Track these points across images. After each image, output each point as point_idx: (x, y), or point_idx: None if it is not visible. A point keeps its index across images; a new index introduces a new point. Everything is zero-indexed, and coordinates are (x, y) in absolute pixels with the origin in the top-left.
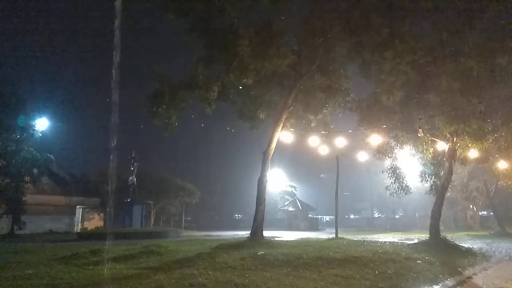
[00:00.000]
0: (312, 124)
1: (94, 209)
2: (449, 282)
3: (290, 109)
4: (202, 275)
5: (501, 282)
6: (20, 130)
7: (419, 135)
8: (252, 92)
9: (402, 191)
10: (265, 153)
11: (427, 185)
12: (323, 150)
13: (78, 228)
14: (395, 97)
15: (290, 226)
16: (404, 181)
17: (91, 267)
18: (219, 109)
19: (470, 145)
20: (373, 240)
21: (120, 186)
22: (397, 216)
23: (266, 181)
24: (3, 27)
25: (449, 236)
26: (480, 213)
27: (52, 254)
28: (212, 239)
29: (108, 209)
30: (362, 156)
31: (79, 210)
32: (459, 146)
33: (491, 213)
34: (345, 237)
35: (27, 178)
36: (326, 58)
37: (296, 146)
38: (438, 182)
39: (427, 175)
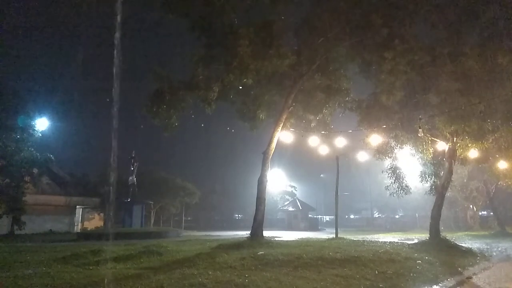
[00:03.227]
0: (312, 124)
1: (94, 209)
2: (449, 282)
3: (290, 109)
4: (202, 275)
5: (501, 282)
6: (20, 130)
7: (419, 135)
8: (252, 92)
9: (402, 191)
10: (265, 153)
11: (427, 185)
12: (323, 150)
13: (78, 228)
14: (395, 97)
15: (290, 226)
16: (404, 181)
17: (91, 267)
18: (219, 109)
19: (470, 145)
20: (373, 240)
21: (120, 186)
22: (397, 216)
23: (266, 181)
24: (4, 27)
25: (449, 236)
26: (480, 213)
27: (52, 254)
28: (212, 239)
29: (108, 209)
30: (362, 156)
31: (79, 210)
32: (459, 146)
33: (491, 213)
34: (345, 237)
35: (27, 178)
36: (326, 58)
37: (296, 146)
38: (438, 182)
39: (427, 175)
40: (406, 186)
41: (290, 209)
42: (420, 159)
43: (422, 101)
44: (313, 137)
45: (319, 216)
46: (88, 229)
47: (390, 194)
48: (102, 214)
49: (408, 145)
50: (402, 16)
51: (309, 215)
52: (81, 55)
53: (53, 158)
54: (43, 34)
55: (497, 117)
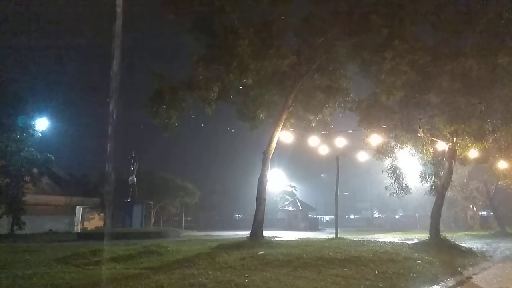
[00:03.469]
0: (312, 124)
1: (94, 209)
2: (449, 282)
3: (290, 109)
4: (202, 275)
5: (501, 282)
6: (20, 130)
7: (419, 135)
8: (252, 92)
9: (402, 191)
10: (265, 153)
11: (427, 185)
12: (323, 150)
13: (78, 228)
14: (395, 97)
15: (290, 226)
16: (404, 181)
17: (91, 267)
18: (219, 109)
19: (470, 145)
20: (373, 240)
21: (120, 186)
22: (397, 216)
23: (266, 181)
24: (3, 27)
25: (449, 236)
26: (480, 213)
27: (52, 254)
28: (212, 239)
29: (108, 209)
30: (362, 156)
31: (79, 210)
32: (459, 146)
33: (491, 213)
34: (345, 237)
35: (27, 178)
36: (326, 58)
37: (296, 146)
38: (438, 182)
39: (427, 175)
40: (406, 186)
41: (290, 209)
42: (420, 159)
43: (422, 101)
44: (313, 137)
45: (319, 216)
46: (88, 229)
47: (390, 194)
48: (102, 214)
49: (408, 145)
50: (402, 16)
51: (309, 215)
52: (81, 55)
53: (53, 158)
54: (43, 34)
55: (497, 117)
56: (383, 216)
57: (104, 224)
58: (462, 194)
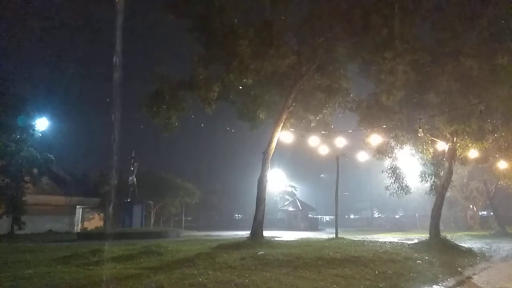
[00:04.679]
0: (312, 124)
1: (94, 209)
2: (449, 282)
3: (290, 109)
4: (202, 275)
5: (501, 282)
6: (20, 130)
7: (419, 135)
8: (252, 92)
9: (402, 191)
10: (265, 153)
11: (427, 185)
12: (323, 150)
13: (78, 228)
14: (395, 97)
15: (290, 226)
16: (404, 181)
17: (91, 267)
18: (219, 109)
19: (470, 145)
20: (373, 240)
21: (120, 186)
22: (397, 216)
23: (266, 181)
24: (3, 27)
25: (449, 236)
26: (480, 213)
27: (52, 254)
28: (212, 239)
29: (108, 209)
30: (362, 156)
31: (79, 210)
32: (459, 146)
33: (491, 213)
34: (345, 237)
35: (27, 178)
36: (326, 58)
37: (296, 146)
38: (438, 182)
39: (427, 175)
40: (406, 186)
41: (290, 209)
42: (420, 159)
43: (422, 101)
44: (313, 137)
45: (319, 216)
46: (88, 229)
47: (390, 194)
48: (102, 214)
49: (408, 145)
50: (402, 16)
51: (309, 215)
52: (81, 55)
53: (53, 158)
54: (43, 34)
55: (497, 117)
56: (383, 216)
57: (104, 224)
58: (462, 194)
